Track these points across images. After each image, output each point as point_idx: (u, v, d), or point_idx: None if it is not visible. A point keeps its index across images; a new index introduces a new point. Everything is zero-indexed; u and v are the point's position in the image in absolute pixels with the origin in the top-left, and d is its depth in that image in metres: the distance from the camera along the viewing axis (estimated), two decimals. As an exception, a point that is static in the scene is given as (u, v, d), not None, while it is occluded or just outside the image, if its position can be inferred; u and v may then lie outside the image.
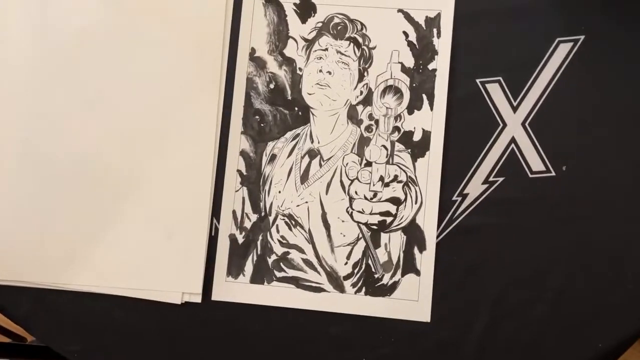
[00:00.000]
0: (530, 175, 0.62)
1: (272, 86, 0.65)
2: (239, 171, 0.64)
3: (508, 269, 0.61)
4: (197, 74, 0.65)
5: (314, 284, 0.62)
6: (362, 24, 0.65)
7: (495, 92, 0.63)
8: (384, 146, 0.63)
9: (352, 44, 0.65)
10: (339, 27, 0.65)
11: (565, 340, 0.60)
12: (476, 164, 0.63)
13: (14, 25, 0.66)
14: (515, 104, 0.63)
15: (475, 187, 0.62)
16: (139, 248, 0.64)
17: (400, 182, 0.63)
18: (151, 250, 0.63)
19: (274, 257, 0.63)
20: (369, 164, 0.63)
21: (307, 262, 0.63)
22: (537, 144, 0.62)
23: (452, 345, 0.61)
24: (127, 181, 0.64)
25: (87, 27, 0.65)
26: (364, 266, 0.62)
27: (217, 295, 0.63)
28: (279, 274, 0.63)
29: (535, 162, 0.62)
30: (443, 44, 0.64)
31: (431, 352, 0.61)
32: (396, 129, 0.64)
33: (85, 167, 0.64)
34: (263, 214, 0.64)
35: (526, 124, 0.62)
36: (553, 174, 0.62)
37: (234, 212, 0.64)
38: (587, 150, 0.62)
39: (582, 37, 0.63)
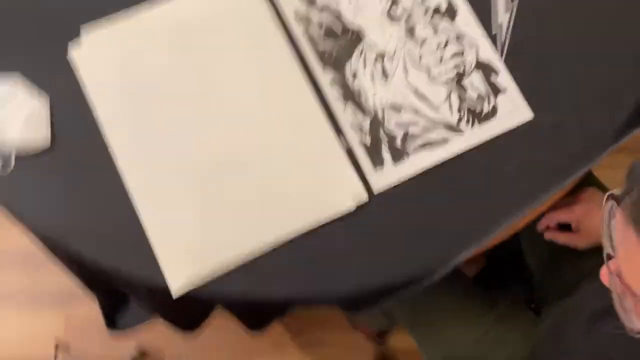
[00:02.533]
0: (532, -9, 0.81)
1: (323, 29, 0.80)
2: (337, 95, 0.78)
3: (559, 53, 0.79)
4: (270, 54, 0.79)
5: (440, 139, 0.76)
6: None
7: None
8: (426, 25, 0.80)
9: (361, -26, 0.82)
10: (345, -32, 0.82)
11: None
12: (492, 2, 0.81)
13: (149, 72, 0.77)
14: (492, -47, 0.83)
15: (502, 15, 0.80)
16: (300, 192, 0.74)
17: (452, 41, 0.80)
18: (309, 187, 0.75)
19: (399, 138, 0.76)
20: (423, 41, 0.80)
21: (425, 128, 0.77)
22: (523, -32, 0.82)
23: (556, 126, 0.77)
24: (263, 153, 0.76)
25: (188, 63, 0.79)
26: (465, 108, 0.77)
27: (377, 187, 0.75)
28: (411, 147, 0.76)
29: (529, -19, 0.82)
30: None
31: (543, 137, 0.76)
32: (427, 9, 0.81)
33: (229, 161, 0.75)
34: (373, 114, 0.77)
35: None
36: (546, -19, 0.81)
37: (351, 124, 0.77)
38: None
39: None
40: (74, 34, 0.79)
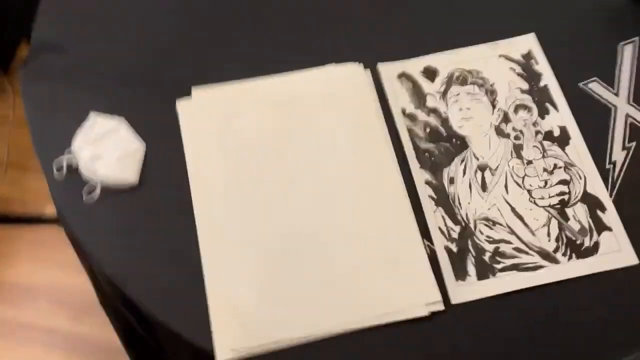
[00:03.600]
0: (653, 135, 0.78)
1: (428, 130, 0.79)
2: (430, 197, 0.75)
3: (676, 204, 0.73)
4: (369, 142, 0.78)
5: (531, 264, 0.71)
6: (477, 71, 0.83)
7: (596, 88, 0.81)
8: (535, 146, 0.77)
9: (475, 86, 0.82)
10: (460, 78, 0.82)
11: None
12: (610, 137, 0.78)
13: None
14: (614, 91, 0.80)
15: (618, 154, 0.77)
16: (372, 286, 0.70)
17: (560, 167, 0.76)
18: (383, 282, 0.70)
19: (488, 254, 0.71)
20: (529, 162, 0.77)
21: (518, 249, 0.72)
22: (646, 111, 0.79)
23: (666, 278, 0.70)
24: (344, 238, 0.73)
25: (286, 136, 0.79)
26: (565, 238, 0.72)
27: (455, 298, 0.69)
28: (498, 266, 0.71)
29: (651, 124, 0.78)
30: (543, 67, 0.82)
31: (652, 289, 0.69)
32: (538, 132, 0.78)
33: (307, 240, 0.73)
34: (464, 223, 0.73)
35: (631, 102, 0.80)
36: (669, 128, 0.78)
37: (439, 228, 0.73)
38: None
39: (638, 38, 0.84)
40: (186, 92, 0.82)
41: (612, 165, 0.76)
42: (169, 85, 0.83)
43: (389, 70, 0.83)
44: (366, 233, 0.73)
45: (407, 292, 0.70)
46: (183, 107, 0.81)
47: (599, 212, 0.73)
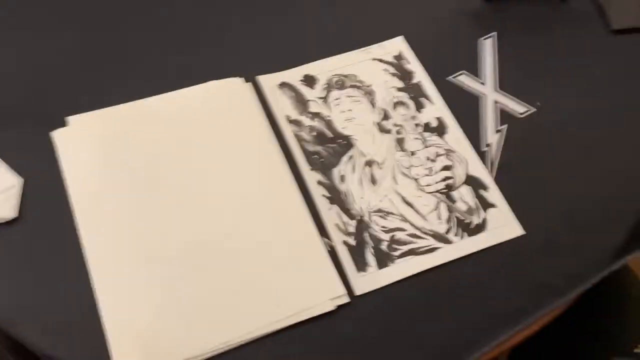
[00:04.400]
0: (520, 117, 0.83)
1: (314, 133, 0.80)
2: (323, 196, 0.76)
3: (545, 175, 0.78)
4: (258, 151, 0.78)
5: (426, 247, 0.73)
6: (354, 75, 0.86)
7: (465, 80, 0.86)
8: (416, 138, 0.81)
9: (354, 89, 0.85)
10: (339, 83, 0.85)
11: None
12: (482, 122, 0.82)
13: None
14: (481, 81, 0.86)
15: (492, 136, 0.81)
16: (276, 289, 0.69)
17: (441, 155, 0.80)
18: (287, 284, 0.70)
19: (385, 243, 0.73)
20: (413, 153, 0.80)
21: (412, 235, 0.74)
22: (512, 96, 0.85)
23: (548, 242, 0.74)
24: (244, 246, 0.72)
25: (172, 153, 0.78)
26: (454, 219, 0.75)
27: (358, 289, 0.70)
28: (396, 253, 0.72)
29: (517, 107, 0.84)
30: (414, 66, 0.87)
31: (536, 254, 0.73)
32: (417, 125, 0.82)
33: (204, 254, 0.71)
34: (359, 217, 0.74)
35: (497, 89, 0.85)
36: (534, 109, 0.84)
37: (336, 224, 0.74)
38: (546, 88, 0.86)
39: (495, 33, 0.91)
40: (61, 123, 0.79)
41: (488, 148, 0.81)
42: (44, 117, 0.80)
43: (269, 81, 0.84)
44: (265, 238, 0.72)
45: (312, 290, 0.69)
46: (59, 136, 0.78)
47: (482, 192, 0.77)
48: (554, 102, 0.85)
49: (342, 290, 0.69)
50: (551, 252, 0.73)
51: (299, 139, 0.80)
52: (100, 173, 0.75)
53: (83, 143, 0.77)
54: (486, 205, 0.76)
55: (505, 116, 0.83)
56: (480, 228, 0.74)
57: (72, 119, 0.79)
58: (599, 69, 0.88)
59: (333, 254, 0.72)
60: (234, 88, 0.83)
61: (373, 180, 0.77)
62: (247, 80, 0.84)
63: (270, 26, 0.91)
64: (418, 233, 0.74)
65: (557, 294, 0.71)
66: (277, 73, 0.85)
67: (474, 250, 0.73)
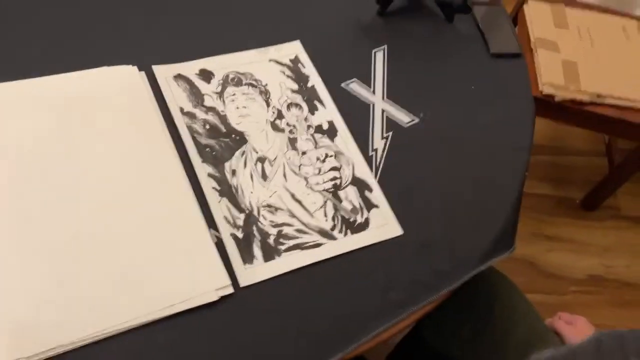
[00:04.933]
0: (405, 126, 0.88)
1: (207, 127, 0.81)
2: (213, 188, 0.76)
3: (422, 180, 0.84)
4: (149, 140, 0.78)
5: (312, 242, 0.75)
6: (250, 74, 0.87)
7: (356, 87, 0.90)
8: (308, 139, 0.83)
9: (250, 87, 0.86)
10: (235, 79, 0.86)
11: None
12: (370, 129, 0.87)
13: None
14: (371, 90, 0.90)
15: (378, 142, 0.86)
16: (161, 278, 0.69)
17: (331, 156, 0.83)
18: (171, 274, 0.69)
19: (272, 237, 0.75)
20: (304, 152, 0.82)
21: (299, 231, 0.76)
22: (398, 106, 0.90)
23: (424, 242, 0.79)
24: (130, 236, 0.71)
25: (57, 138, 0.75)
26: (339, 217, 0.78)
27: (244, 281, 0.71)
28: (283, 247, 0.74)
29: (403, 117, 0.89)
30: (309, 70, 0.90)
31: (412, 253, 0.78)
32: (309, 126, 0.85)
33: (85, 241, 0.69)
34: (248, 211, 0.76)
35: (385, 98, 0.90)
36: (418, 119, 0.89)
37: (225, 217, 0.75)
38: (430, 101, 0.91)
39: (386, 45, 0.96)
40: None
41: (374, 152, 0.85)
42: None
43: (164, 71, 0.84)
44: (152, 228, 0.72)
45: (196, 280, 0.69)
46: None
47: (367, 193, 0.81)
48: (435, 113, 0.91)
49: (226, 280, 0.70)
50: (426, 251, 0.78)
51: (192, 131, 0.80)
52: (-23, 151, 0.72)
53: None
54: (370, 205, 0.80)
55: (391, 124, 0.88)
56: (363, 226, 0.78)
57: (-52, 93, 0.75)
58: (476, 85, 0.96)
59: (220, 245, 0.73)
60: (126, 75, 0.82)
61: (264, 176, 0.79)
62: (141, 69, 0.83)
63: (168, 17, 0.91)
64: (304, 229, 0.76)
65: (430, 291, 0.75)
66: (173, 64, 0.85)
67: (356, 247, 0.76)
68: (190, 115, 0.81)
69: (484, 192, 0.85)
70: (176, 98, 0.82)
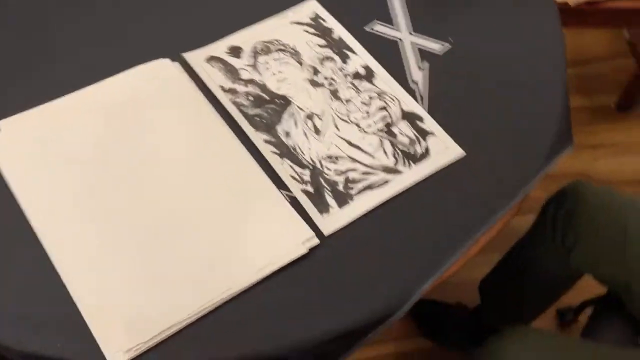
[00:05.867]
0: (439, 53, 0.89)
1: (251, 98, 0.82)
2: (272, 152, 0.78)
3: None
4: (202, 124, 0.80)
5: (379, 181, 0.76)
6: (276, 40, 0.89)
7: (380, 28, 0.91)
8: (348, 87, 0.85)
9: (280, 52, 0.87)
10: (264, 49, 0.88)
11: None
12: (405, 63, 0.87)
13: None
14: (395, 27, 0.91)
15: (417, 74, 0.86)
16: (247, 246, 0.71)
17: (374, 97, 0.84)
18: (257, 239, 0.71)
19: (341, 184, 0.76)
20: (348, 100, 0.83)
21: (365, 173, 0.77)
22: (427, 36, 0.90)
23: (489, 159, 0.79)
24: (208, 215, 0.73)
25: (116, 141, 0.77)
26: (399, 151, 0.79)
27: (326, 230, 0.72)
28: (353, 191, 0.75)
29: (433, 45, 0.90)
30: (331, 23, 0.91)
31: (480, 170, 0.78)
32: (346, 75, 0.86)
33: (168, 227, 0.72)
34: (311, 166, 0.77)
35: (412, 32, 0.91)
36: (449, 45, 0.90)
37: (291, 176, 0.76)
38: (459, 24, 0.92)
39: None
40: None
41: (416, 85, 0.86)
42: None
43: (196, 57, 0.86)
44: (228, 202, 0.74)
45: (282, 239, 0.71)
46: (-6, 141, 0.76)
47: (419, 123, 0.82)
48: (464, 35, 0.91)
49: (310, 232, 0.72)
50: (491, 166, 0.79)
51: (238, 105, 0.81)
52: (44, 168, 0.74)
53: (23, 143, 0.76)
54: (425, 134, 0.81)
55: (424, 54, 0.89)
56: (424, 155, 0.79)
57: (4, 123, 0.77)
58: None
59: (295, 203, 0.74)
60: (163, 69, 0.84)
61: (317, 131, 0.80)
62: (173, 60, 0.85)
63: (187, 4, 0.92)
64: (369, 170, 0.77)
65: (509, 198, 0.76)
66: (202, 48, 0.87)
67: (423, 176, 0.77)
68: (232, 92, 0.83)
69: (531, 100, 0.85)
70: (214, 79, 0.84)
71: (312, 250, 0.71)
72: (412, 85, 0.86)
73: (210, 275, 0.68)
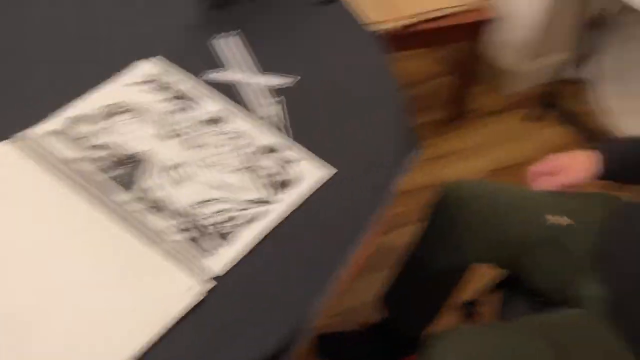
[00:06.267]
0: (286, 86, 0.92)
1: (105, 162, 0.79)
2: (140, 210, 0.74)
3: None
4: (61, 202, 0.75)
5: (258, 213, 0.76)
6: (120, 102, 0.86)
7: (215, 75, 0.92)
8: (202, 134, 0.84)
9: (125, 113, 0.85)
10: (108, 113, 0.85)
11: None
12: (252, 103, 0.89)
13: None
14: (230, 71, 0.93)
15: (271, 108, 0.88)
16: (136, 307, 0.66)
17: (231, 137, 0.84)
18: (144, 299, 0.67)
19: (218, 224, 0.74)
20: (203, 145, 0.83)
21: (240, 209, 0.76)
22: (271, 73, 0.93)
23: (347, 178, 0.82)
24: (90, 292, 0.68)
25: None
26: (269, 184, 0.79)
27: (213, 271, 0.70)
28: (233, 229, 0.74)
29: (279, 80, 0.92)
30: (169, 78, 0.90)
31: (349, 183, 0.81)
32: (198, 122, 0.85)
33: (34, 311, 0.65)
34: (184, 215, 0.75)
35: (255, 73, 0.93)
36: (293, 79, 0.93)
37: (164, 229, 0.73)
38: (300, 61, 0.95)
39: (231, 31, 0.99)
40: None
41: (273, 117, 0.87)
42: None
43: (33, 134, 0.81)
44: (101, 276, 0.69)
45: (164, 294, 0.68)
46: None
47: (281, 152, 0.83)
48: (308, 69, 0.95)
49: (191, 281, 0.69)
50: (350, 183, 0.82)
51: (90, 173, 0.78)
52: None
53: None
54: (290, 161, 0.82)
55: (277, 91, 0.91)
56: (294, 181, 0.80)
57: None
58: (323, 35, 1.02)
59: (176, 252, 0.71)
60: (3, 153, 0.78)
61: (180, 181, 0.79)
62: (10, 141, 0.79)
63: (15, 80, 0.87)
64: (243, 206, 0.77)
65: (379, 201, 0.79)
66: (39, 124, 0.82)
67: (298, 201, 0.78)
68: (84, 159, 0.79)
69: (375, 118, 0.90)
70: (61, 152, 0.79)
71: (206, 294, 0.68)
72: (269, 119, 0.87)
73: (105, 344, 0.63)
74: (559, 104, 1.93)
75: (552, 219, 0.96)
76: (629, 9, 1.68)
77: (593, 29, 1.79)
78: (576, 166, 0.96)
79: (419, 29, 1.51)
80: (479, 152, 1.83)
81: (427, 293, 1.17)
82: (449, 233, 1.06)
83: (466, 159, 1.81)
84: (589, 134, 1.85)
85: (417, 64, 2.04)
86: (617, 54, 2.12)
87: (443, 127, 1.89)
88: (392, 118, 0.91)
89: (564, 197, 0.98)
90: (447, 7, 1.54)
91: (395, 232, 1.52)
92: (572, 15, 1.87)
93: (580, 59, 1.90)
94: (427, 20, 1.52)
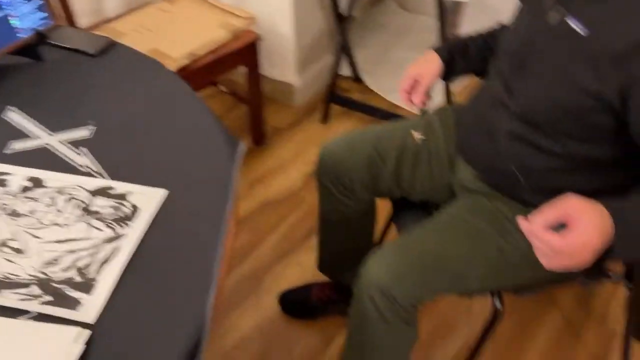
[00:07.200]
0: (88, 137, 0.91)
1: None
2: (-14, 294, 0.69)
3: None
4: None
5: (111, 251, 0.74)
6: None
7: (20, 144, 0.89)
8: (23, 201, 0.80)
9: None
10: None
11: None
12: (66, 160, 0.87)
13: None
14: (33, 135, 0.90)
15: (81, 158, 0.87)
16: None
17: (55, 196, 0.81)
18: None
19: (75, 276, 0.72)
20: (32, 212, 0.79)
21: (91, 254, 0.74)
22: (70, 128, 0.91)
23: (185, 192, 0.84)
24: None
25: None
26: (111, 222, 0.78)
27: (89, 318, 0.67)
28: (92, 274, 0.72)
29: (80, 133, 0.91)
30: None
31: (184, 200, 0.83)
32: (15, 194, 0.81)
33: None
34: (35, 280, 0.71)
35: (50, 132, 0.91)
36: (91, 127, 0.92)
37: (21, 300, 0.69)
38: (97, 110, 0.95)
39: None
40: None
41: (85, 167, 0.86)
42: None
43: None
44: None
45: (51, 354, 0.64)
46: None
47: (110, 191, 0.82)
48: (114, 117, 0.95)
49: (77, 331, 0.66)
50: (189, 194, 0.84)
51: None
52: None
53: None
54: (122, 196, 0.82)
55: (80, 142, 0.90)
56: (134, 212, 0.80)
57: None
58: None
59: (43, 317, 0.67)
60: None
61: (18, 252, 0.74)
62: None
63: None
64: (93, 250, 0.75)
65: (221, 207, 0.82)
66: None
67: (145, 226, 0.78)
68: None
69: (185, 133, 0.94)
70: None
71: (88, 344, 0.65)
72: (85, 169, 0.86)
73: None
74: (344, 97, 2.11)
75: (415, 134, 1.15)
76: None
77: (347, 26, 1.99)
78: (426, 71, 1.12)
79: (200, 65, 1.57)
80: (293, 163, 1.93)
81: (350, 243, 1.32)
82: (338, 184, 1.20)
83: (284, 172, 1.89)
84: (379, 113, 2.04)
85: (211, 102, 2.11)
86: (370, 42, 2.38)
87: (254, 152, 1.96)
88: (207, 127, 0.95)
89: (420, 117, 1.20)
90: (216, 40, 1.62)
91: (247, 260, 1.54)
92: (323, 21, 2.07)
93: (345, 54, 2.10)
94: (205, 55, 1.58)
